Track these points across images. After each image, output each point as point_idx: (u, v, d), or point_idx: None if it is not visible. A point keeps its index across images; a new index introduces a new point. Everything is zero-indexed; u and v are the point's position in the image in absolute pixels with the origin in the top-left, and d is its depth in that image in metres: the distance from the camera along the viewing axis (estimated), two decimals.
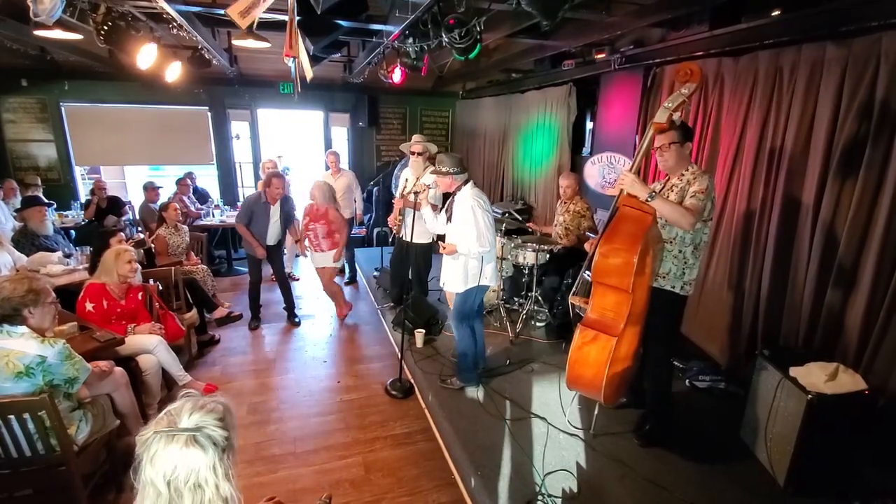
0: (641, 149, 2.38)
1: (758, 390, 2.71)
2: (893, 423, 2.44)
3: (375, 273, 5.81)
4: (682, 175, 2.51)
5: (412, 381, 3.69)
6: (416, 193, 3.40)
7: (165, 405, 1.26)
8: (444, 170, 3.06)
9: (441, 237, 3.30)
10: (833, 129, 2.83)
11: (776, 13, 2.95)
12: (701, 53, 3.61)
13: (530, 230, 4.99)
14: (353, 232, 7.06)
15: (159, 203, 5.44)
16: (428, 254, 4.41)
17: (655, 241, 2.46)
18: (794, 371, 2.50)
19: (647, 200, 2.32)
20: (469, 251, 2.99)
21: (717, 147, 3.69)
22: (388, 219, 4.42)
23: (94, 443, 2.44)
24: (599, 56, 4.60)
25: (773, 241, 3.19)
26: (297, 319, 4.76)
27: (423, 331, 4.07)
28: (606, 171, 5.05)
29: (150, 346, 3.18)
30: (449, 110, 8.49)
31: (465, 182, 3.09)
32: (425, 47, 3.68)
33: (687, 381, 3.44)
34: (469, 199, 3.01)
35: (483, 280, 3.11)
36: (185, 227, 5.00)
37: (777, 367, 2.59)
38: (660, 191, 2.52)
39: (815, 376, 2.41)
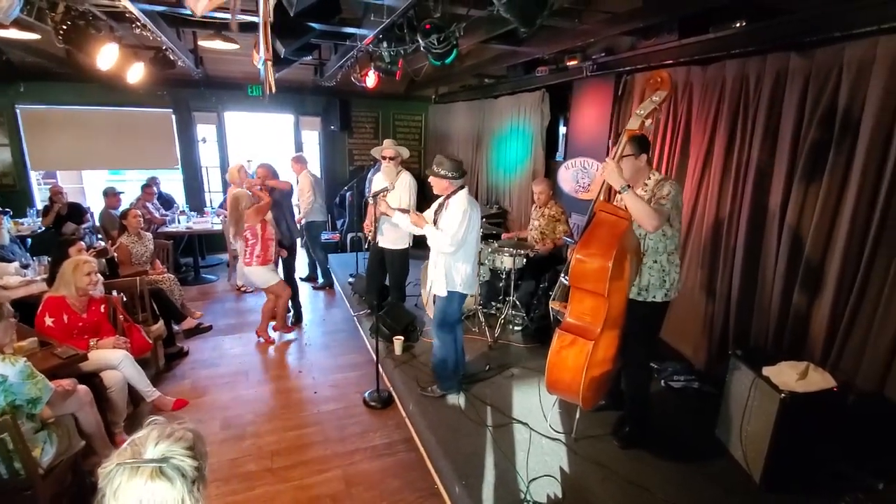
0: (618, 152, 2.41)
1: (732, 390, 2.77)
2: (862, 419, 2.53)
3: (350, 279, 5.73)
4: (645, 184, 2.55)
5: (391, 389, 3.62)
6: (374, 197, 3.40)
7: (132, 422, 1.16)
8: (441, 172, 2.98)
9: (420, 239, 3.25)
10: (797, 136, 2.93)
11: (740, 24, 3.04)
12: (670, 62, 3.70)
13: (506, 234, 5.01)
14: (326, 238, 7.02)
15: (120, 209, 5.19)
16: (404, 259, 4.37)
17: (633, 248, 2.49)
18: (766, 370, 2.57)
19: (620, 191, 2.34)
20: (437, 244, 2.97)
21: (687, 154, 3.77)
22: (364, 224, 4.35)
23: (60, 465, 2.29)
24: (572, 63, 4.66)
25: (742, 244, 3.28)
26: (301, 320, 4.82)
27: (402, 338, 4.01)
28: (580, 176, 5.11)
29: (114, 361, 3.02)
30: (422, 115, 8.46)
31: (461, 188, 3.04)
32: (401, 52, 3.63)
33: (662, 381, 3.50)
34: (464, 203, 2.96)
35: (466, 287, 3.09)
36: (149, 235, 4.79)
37: (750, 367, 2.65)
38: None
39: (787, 375, 2.48)
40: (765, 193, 3.16)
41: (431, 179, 3.02)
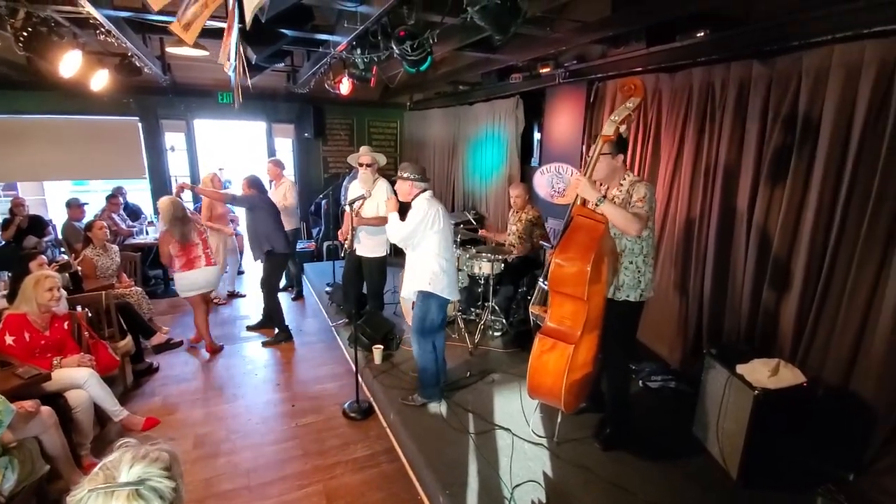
0: (592, 159, 2.45)
1: (707, 388, 2.83)
2: (830, 413, 2.61)
3: (327, 288, 5.66)
4: (620, 185, 2.60)
5: (371, 399, 3.57)
6: (350, 205, 3.45)
7: (100, 444, 1.11)
8: (404, 175, 3.08)
9: (399, 247, 3.29)
10: (762, 141, 3.05)
11: (703, 34, 3.14)
12: (639, 69, 3.80)
13: (482, 239, 5.03)
14: (301, 246, 6.92)
15: (84, 221, 5.00)
16: (382, 267, 4.34)
17: (610, 250, 2.53)
18: (740, 368, 2.63)
19: (596, 204, 2.38)
20: (390, 229, 3.08)
21: (658, 157, 3.87)
22: (339, 232, 4.32)
23: (23, 491, 2.17)
24: (544, 70, 4.74)
25: (713, 245, 3.37)
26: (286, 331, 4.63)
27: (381, 346, 3.97)
28: (555, 181, 5.18)
29: (79, 380, 2.89)
30: (397, 121, 8.45)
31: (424, 190, 3.12)
32: (375, 59, 3.62)
33: (640, 381, 3.55)
34: (424, 203, 3.05)
35: (440, 289, 3.09)
36: (115, 247, 4.64)
37: (724, 365, 2.72)
38: None
39: (760, 372, 2.55)
40: (733, 195, 3.26)
41: (397, 185, 3.13)
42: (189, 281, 4.10)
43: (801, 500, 2.41)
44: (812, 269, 2.82)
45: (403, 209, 3.16)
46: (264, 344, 4.49)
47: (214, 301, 5.47)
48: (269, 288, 4.40)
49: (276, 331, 4.54)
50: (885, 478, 2.44)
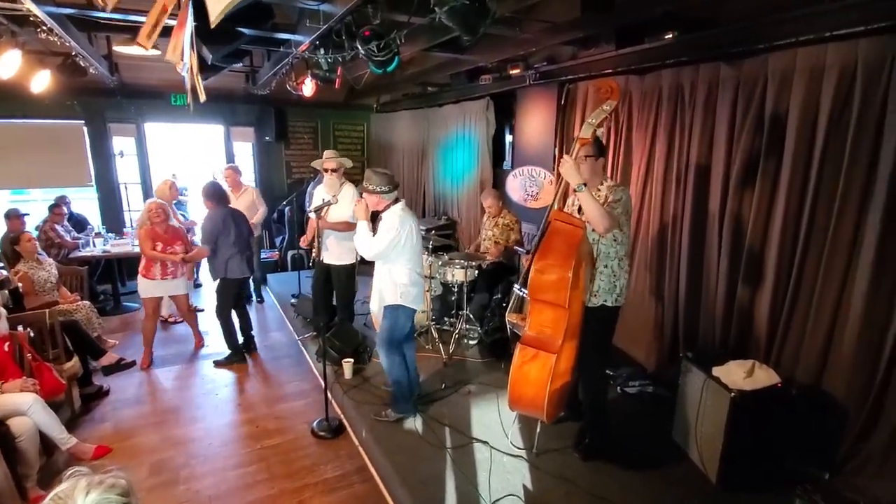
0: (575, 152, 2.47)
1: (685, 392, 2.89)
2: (806, 413, 2.71)
3: (293, 300, 5.55)
4: (599, 189, 2.65)
5: (342, 417, 3.51)
6: (316, 211, 3.41)
7: (46, 475, 1.05)
8: (370, 188, 3.04)
9: (366, 261, 3.28)
10: (731, 143, 3.15)
11: (671, 35, 3.24)
12: (609, 71, 3.88)
13: (455, 245, 5.04)
14: (264, 256, 6.76)
15: (12, 234, 4.74)
16: (351, 275, 4.29)
17: (587, 254, 2.56)
18: (716, 371, 2.70)
19: (575, 190, 2.41)
20: (360, 243, 3.05)
21: (630, 160, 3.96)
22: (301, 239, 4.25)
23: None
24: (514, 71, 4.79)
25: (687, 247, 3.46)
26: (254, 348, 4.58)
27: (352, 360, 3.90)
28: (528, 185, 5.23)
29: (22, 406, 2.74)
30: (363, 124, 8.41)
31: (396, 201, 3.08)
32: (339, 59, 3.58)
33: (618, 387, 3.60)
34: (396, 221, 3.01)
35: (409, 301, 3.08)
36: (49, 259, 4.43)
37: (700, 368, 2.79)
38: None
39: (735, 374, 2.62)
40: (704, 197, 3.36)
41: (364, 195, 3.09)
42: (153, 284, 4.23)
43: (779, 501, 2.48)
44: (783, 270, 2.92)
45: (374, 216, 3.14)
46: (216, 364, 4.34)
47: (170, 319, 5.28)
48: (223, 317, 4.29)
49: (230, 351, 4.40)
50: (858, 477, 2.54)
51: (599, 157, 2.62)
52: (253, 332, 4.58)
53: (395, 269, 3.08)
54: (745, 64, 2.99)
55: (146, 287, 4.22)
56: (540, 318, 2.44)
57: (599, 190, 2.64)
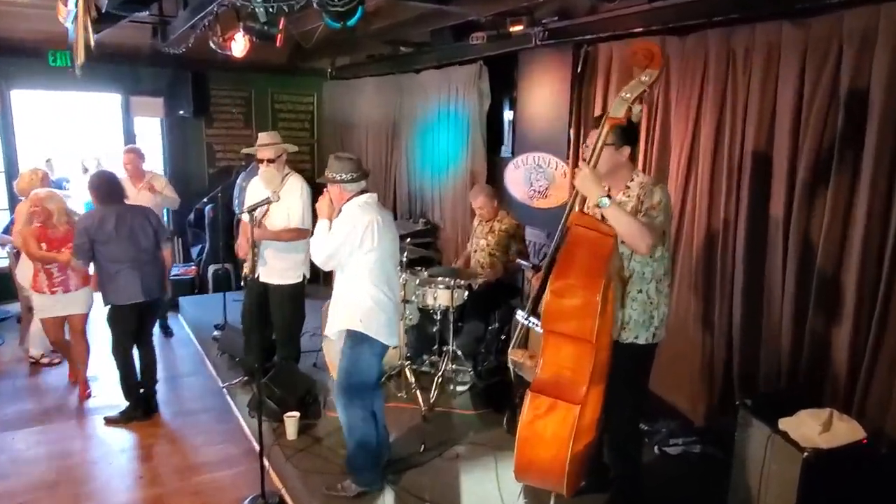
0: (598, 146, 2.52)
1: (744, 451, 2.95)
2: (894, 476, 2.79)
3: (216, 333, 5.53)
4: (627, 188, 2.70)
5: (283, 492, 3.50)
6: (251, 213, 3.46)
7: None
8: (329, 176, 3.13)
9: (320, 270, 3.36)
10: (797, 126, 3.27)
11: None
12: (639, 29, 3.98)
13: (437, 259, 5.08)
14: (175, 272, 6.68)
15: None
16: (297, 299, 4.30)
17: (618, 271, 2.62)
18: (783, 423, 2.77)
19: (598, 205, 2.46)
20: (313, 246, 3.16)
21: (668, 150, 4.07)
22: (237, 246, 4.27)
23: None
24: (516, 28, 4.88)
25: (742, 261, 3.56)
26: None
27: (297, 414, 3.89)
28: (534, 177, 5.31)
29: None
30: (313, 94, 8.44)
31: (360, 193, 3.17)
32: (283, 8, 3.61)
33: (656, 447, 3.66)
34: (355, 210, 3.09)
35: (374, 331, 3.11)
36: None
37: (763, 420, 2.84)
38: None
39: (808, 427, 2.69)
40: (764, 197, 3.47)
41: (328, 187, 3.19)
42: (48, 301, 4.45)
43: None
44: (866, 291, 3.02)
45: None
46: (108, 421, 4.29)
47: (41, 359, 5.19)
48: (118, 357, 4.25)
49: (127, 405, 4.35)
50: None
51: (622, 146, 2.68)
52: (157, 380, 4.51)
53: (354, 283, 3.13)
54: (815, 23, 3.11)
55: (42, 305, 4.46)
56: (558, 355, 2.47)
57: (628, 189, 2.69)
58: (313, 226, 3.69)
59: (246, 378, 4.60)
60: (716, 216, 3.74)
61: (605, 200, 2.43)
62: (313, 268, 4.36)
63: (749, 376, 3.59)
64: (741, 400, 3.03)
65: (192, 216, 7.45)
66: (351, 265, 3.12)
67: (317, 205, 3.30)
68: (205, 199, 6.83)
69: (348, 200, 3.15)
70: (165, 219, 5.94)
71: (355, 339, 3.13)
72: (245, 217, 3.63)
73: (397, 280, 3.42)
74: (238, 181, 6.64)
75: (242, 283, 5.53)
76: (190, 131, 7.81)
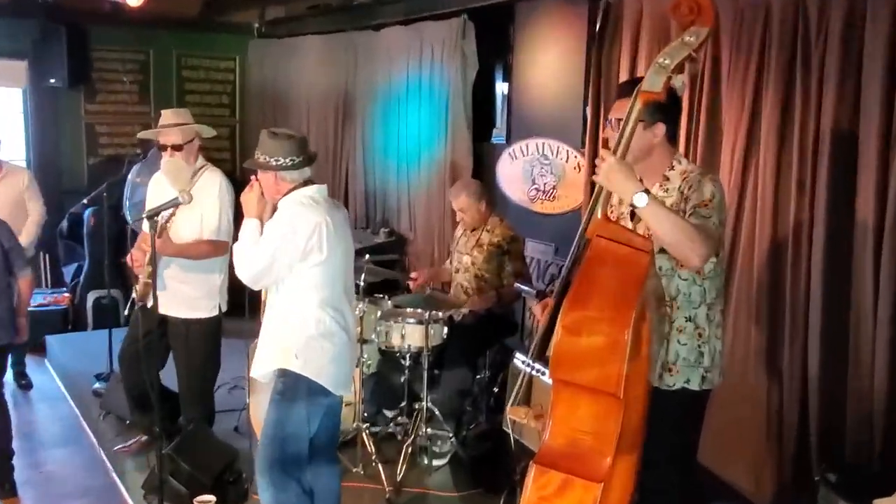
0: (627, 130, 2.49)
1: None
2: None
3: (98, 385, 5.51)
4: (666, 179, 2.68)
5: None
6: (152, 218, 3.49)
7: None
8: (262, 159, 3.09)
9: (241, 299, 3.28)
10: (889, 104, 3.29)
11: None
12: None
13: (406, 285, 5.01)
14: (38, 302, 6.54)
15: None
16: (211, 339, 4.26)
17: (656, 299, 2.58)
18: None
19: (633, 205, 2.41)
20: (238, 257, 3.18)
21: (717, 135, 4.10)
22: (128, 259, 4.25)
23: None
24: None
25: (820, 283, 3.56)
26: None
27: (213, 498, 3.82)
28: (538, 171, 5.31)
29: None
30: (235, 59, 8.46)
31: (305, 184, 3.13)
32: None
33: None
34: (294, 207, 3.07)
35: (317, 373, 3.08)
36: None
37: (851, 501, 2.82)
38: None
39: None
40: (848, 193, 3.48)
41: (260, 177, 3.17)
42: None
43: None
44: None
45: None
46: None
47: None
48: None
49: None
50: None
51: (655, 124, 2.66)
52: (12, 453, 4.34)
53: (294, 304, 3.10)
54: None
55: None
56: (573, 415, 2.42)
57: (667, 181, 2.67)
58: (235, 237, 3.64)
59: (142, 440, 4.54)
60: (783, 221, 3.75)
61: (643, 197, 2.38)
62: (234, 295, 4.28)
63: (831, 441, 3.56)
64: (822, 474, 3.02)
65: (64, 224, 7.37)
66: (289, 282, 3.09)
67: (242, 197, 3.26)
68: (84, 201, 6.68)
69: (287, 194, 3.12)
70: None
71: (289, 384, 3.08)
72: (144, 226, 3.58)
73: (352, 305, 3.38)
74: (131, 176, 6.58)
75: (126, 312, 5.45)
76: (63, 107, 7.78)
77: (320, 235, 3.03)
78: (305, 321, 3.08)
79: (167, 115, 4.21)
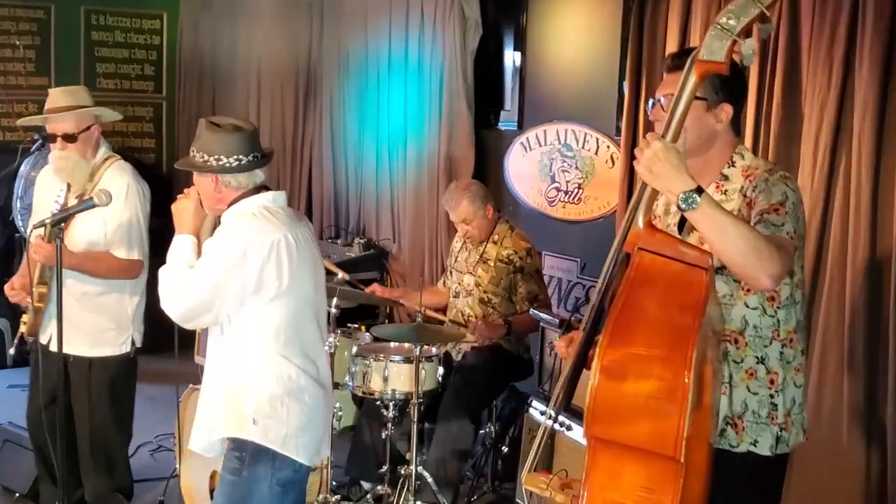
0: (678, 110, 2.49)
1: None
2: None
3: None
4: (724, 179, 2.69)
5: None
6: (56, 225, 3.52)
7: None
8: (200, 159, 3.04)
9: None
10: None
11: None
12: None
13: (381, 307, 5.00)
14: None
15: None
16: (121, 384, 4.27)
17: (716, 328, 2.58)
18: None
19: (681, 206, 2.39)
20: (167, 286, 3.13)
21: (797, 123, 4.14)
22: (7, 288, 4.32)
23: None
24: None
25: None
26: None
27: None
28: (558, 164, 5.33)
29: None
30: (161, 17, 8.51)
31: (256, 190, 3.10)
32: None
33: None
34: (243, 222, 3.05)
35: (283, 443, 3.06)
36: None
37: None
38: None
39: None
40: None
41: (194, 178, 3.15)
42: None
43: None
44: None
45: None
46: None
47: None
48: None
49: None
50: None
51: (720, 104, 2.67)
52: None
53: (247, 353, 3.08)
54: None
55: None
56: (614, 485, 2.41)
57: (726, 181, 2.68)
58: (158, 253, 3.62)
59: None
60: (885, 235, 3.78)
61: (695, 197, 2.38)
62: (159, 327, 4.25)
63: None
64: None
65: None
66: (239, 322, 3.06)
67: (174, 208, 3.23)
68: None
69: (233, 204, 3.09)
70: None
71: (246, 459, 3.05)
72: (37, 234, 3.63)
73: (324, 346, 3.35)
74: (24, 170, 6.58)
75: (13, 350, 5.44)
76: None
77: (279, 258, 3.00)
78: (264, 376, 3.06)
79: (56, 96, 4.20)
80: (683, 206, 2.34)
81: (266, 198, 3.10)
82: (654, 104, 2.77)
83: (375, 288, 4.97)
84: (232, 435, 3.07)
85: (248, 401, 3.05)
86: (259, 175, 3.13)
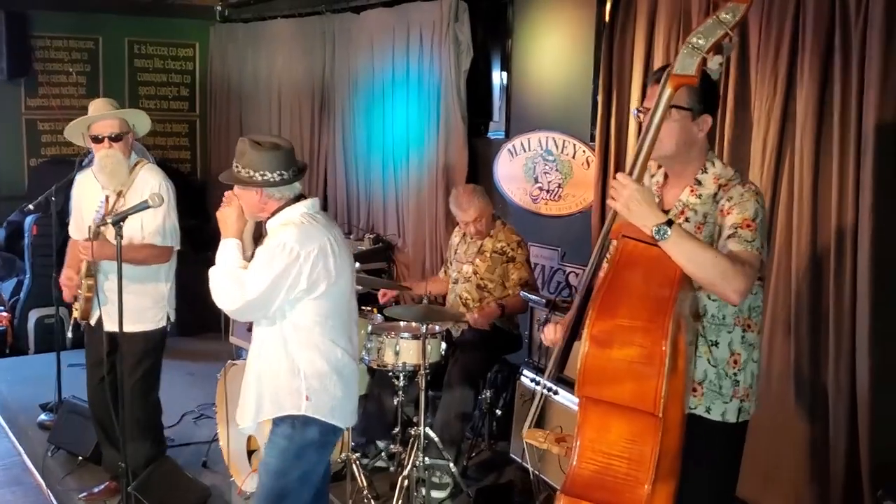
0: (651, 129, 2.46)
1: None
2: None
3: (44, 417, 5.52)
4: (698, 184, 2.67)
5: None
6: (117, 224, 3.47)
7: None
8: (245, 174, 3.00)
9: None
10: None
11: None
12: None
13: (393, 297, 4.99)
14: None
15: None
16: (156, 352, 4.28)
17: (690, 307, 2.57)
18: None
19: (655, 237, 2.38)
20: (220, 287, 3.11)
21: (746, 127, 4.13)
22: (61, 280, 4.29)
23: None
24: None
25: (867, 293, 3.56)
26: None
27: None
28: (541, 168, 5.31)
29: None
30: (194, 45, 8.51)
31: (297, 199, 3.06)
32: None
33: None
34: (293, 232, 2.99)
35: (328, 413, 3.07)
36: None
37: None
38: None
39: None
40: None
41: (236, 190, 3.11)
42: None
43: None
44: None
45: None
46: None
47: None
48: None
49: None
50: None
51: (702, 115, 2.65)
52: None
53: (297, 342, 3.05)
54: None
55: None
56: (603, 438, 2.40)
57: (699, 186, 2.65)
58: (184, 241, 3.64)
59: (111, 486, 4.45)
60: (824, 224, 3.77)
61: (666, 229, 2.37)
62: (210, 312, 4.23)
63: (887, 461, 3.56)
64: (877, 502, 3.02)
65: (1, 234, 7.39)
66: (293, 315, 3.04)
67: (219, 214, 3.17)
68: (30, 207, 6.64)
69: (275, 214, 3.07)
70: None
71: (298, 430, 3.05)
72: (73, 232, 3.57)
73: (356, 327, 3.35)
74: (78, 176, 6.51)
75: (70, 334, 5.41)
76: (0, 102, 7.75)
77: (326, 260, 2.99)
78: (314, 358, 3.06)
79: (98, 105, 4.22)
80: (657, 236, 2.35)
81: (305, 205, 3.10)
82: (638, 112, 2.80)
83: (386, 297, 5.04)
84: (286, 413, 3.07)
85: (303, 381, 3.05)
86: (297, 186, 3.13)
